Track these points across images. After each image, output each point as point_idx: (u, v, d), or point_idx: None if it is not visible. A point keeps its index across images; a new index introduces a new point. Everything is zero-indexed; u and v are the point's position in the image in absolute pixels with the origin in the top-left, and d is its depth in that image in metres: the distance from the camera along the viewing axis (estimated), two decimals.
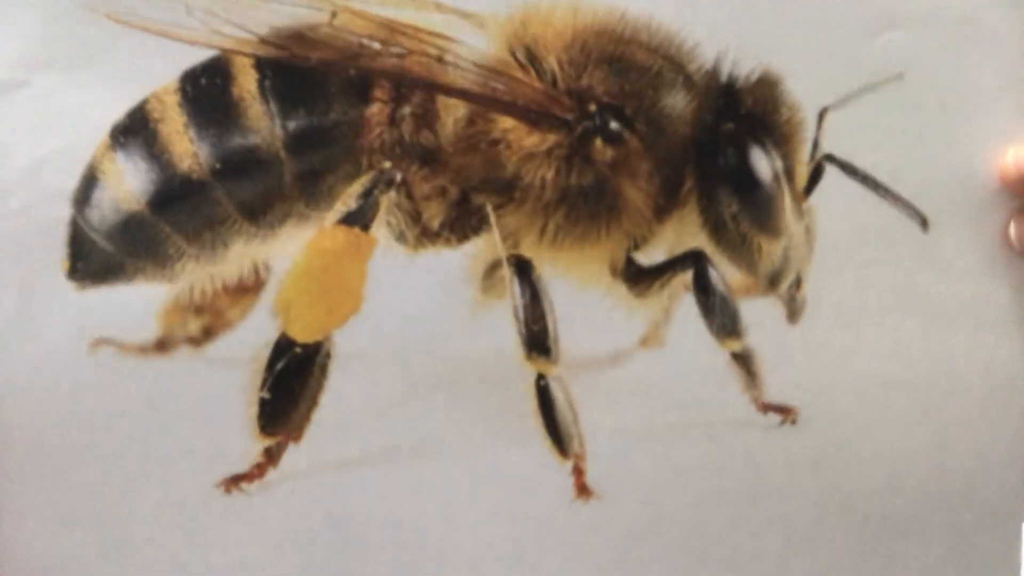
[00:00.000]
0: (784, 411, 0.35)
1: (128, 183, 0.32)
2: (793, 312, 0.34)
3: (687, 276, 0.33)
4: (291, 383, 0.31)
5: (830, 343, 0.34)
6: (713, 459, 0.34)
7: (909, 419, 0.34)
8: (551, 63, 0.32)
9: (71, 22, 0.33)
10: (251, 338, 0.32)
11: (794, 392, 0.34)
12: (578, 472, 0.33)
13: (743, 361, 0.34)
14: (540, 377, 0.32)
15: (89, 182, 0.33)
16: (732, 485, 0.34)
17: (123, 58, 0.33)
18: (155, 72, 0.32)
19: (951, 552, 0.35)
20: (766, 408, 0.34)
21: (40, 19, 0.34)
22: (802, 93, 0.32)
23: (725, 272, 0.33)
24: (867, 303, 0.34)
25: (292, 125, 0.32)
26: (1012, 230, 0.34)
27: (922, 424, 0.34)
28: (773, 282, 0.33)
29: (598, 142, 0.31)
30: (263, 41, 0.31)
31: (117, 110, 0.33)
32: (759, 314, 0.33)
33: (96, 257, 0.33)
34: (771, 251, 0.32)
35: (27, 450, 0.33)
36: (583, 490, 0.33)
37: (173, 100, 0.32)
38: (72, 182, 0.33)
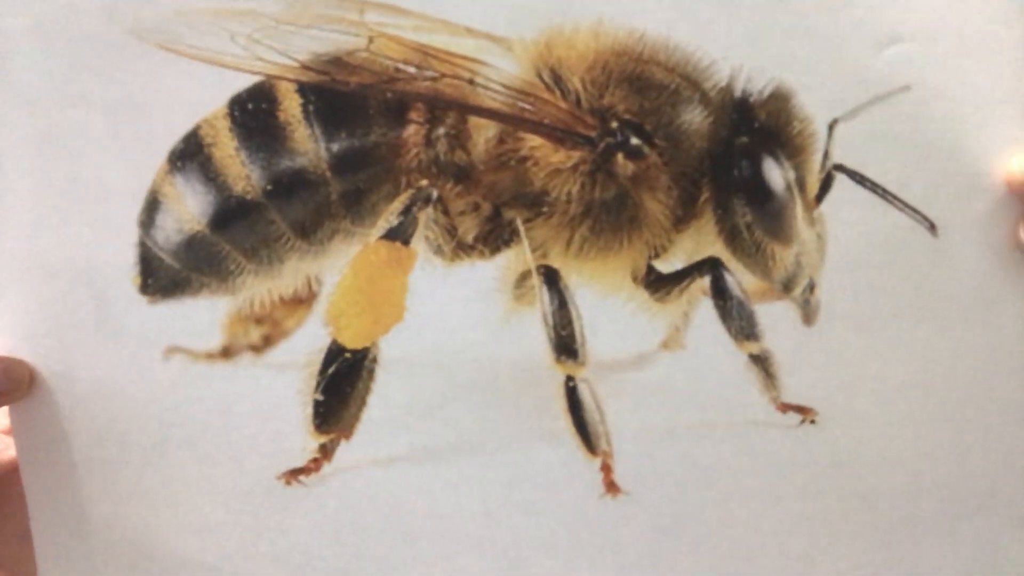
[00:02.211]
0: (803, 411, 0.36)
1: (188, 205, 0.35)
2: (808, 315, 0.36)
3: (705, 282, 0.35)
4: (342, 385, 0.34)
5: (846, 346, 0.35)
6: (736, 458, 0.36)
7: (927, 420, 0.35)
8: (575, 84, 0.34)
9: (130, 51, 0.35)
10: (306, 345, 0.35)
11: (811, 393, 0.35)
12: (606, 469, 0.35)
13: (761, 363, 0.35)
14: (569, 379, 0.34)
15: (152, 205, 0.35)
16: (755, 484, 0.36)
17: (172, 84, 0.35)
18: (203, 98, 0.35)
19: (972, 552, 0.36)
20: (785, 408, 0.36)
21: (96, 50, 0.35)
22: (813, 106, 0.34)
23: (741, 278, 0.35)
24: (880, 306, 0.35)
25: (336, 147, 0.34)
26: (1022, 234, 0.34)
27: (940, 425, 0.35)
28: (787, 287, 0.35)
29: (620, 157, 0.34)
30: (304, 67, 0.34)
31: (173, 135, 0.35)
32: (776, 318, 0.35)
33: (164, 274, 0.36)
34: (784, 257, 0.34)
35: (116, 444, 0.36)
36: (611, 487, 0.35)
37: (223, 125, 0.35)
38: (137, 205, 0.35)
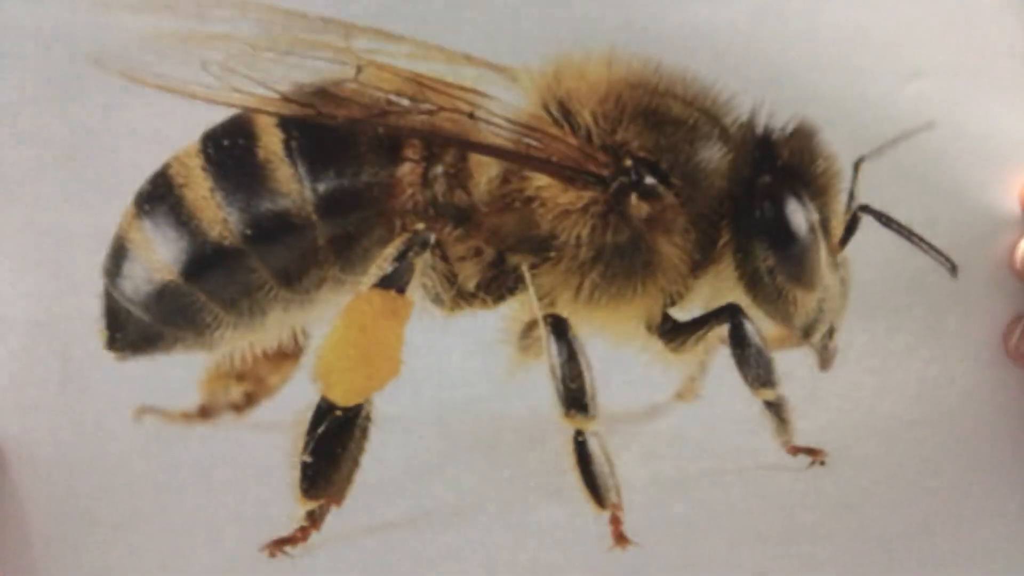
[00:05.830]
0: (813, 453, 0.35)
1: (159, 252, 0.32)
2: (825, 361, 0.35)
3: (723, 330, 0.33)
4: (332, 446, 0.32)
5: (858, 386, 0.35)
6: (745, 502, 0.35)
7: (938, 459, 0.35)
8: (585, 118, 0.32)
9: (88, 82, 0.33)
10: (292, 404, 0.32)
11: (823, 435, 0.35)
12: (615, 521, 0.33)
13: (775, 408, 0.34)
14: (578, 433, 0.32)
15: (119, 252, 0.33)
16: (765, 527, 0.35)
17: (137, 118, 0.33)
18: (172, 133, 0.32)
19: None
20: (796, 451, 0.35)
21: (49, 81, 0.33)
22: (835, 142, 0.33)
23: (759, 324, 0.33)
24: (894, 347, 0.35)
25: (322, 187, 0.32)
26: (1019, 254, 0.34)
27: (950, 464, 0.35)
28: (807, 333, 0.34)
29: (634, 198, 0.32)
30: (285, 98, 0.31)
31: (140, 174, 0.33)
32: (790, 363, 0.34)
33: (134, 327, 0.33)
34: (806, 303, 0.33)
35: (79, 517, 0.33)
36: (620, 538, 0.33)
37: (196, 163, 0.32)
38: (101, 253, 0.33)
